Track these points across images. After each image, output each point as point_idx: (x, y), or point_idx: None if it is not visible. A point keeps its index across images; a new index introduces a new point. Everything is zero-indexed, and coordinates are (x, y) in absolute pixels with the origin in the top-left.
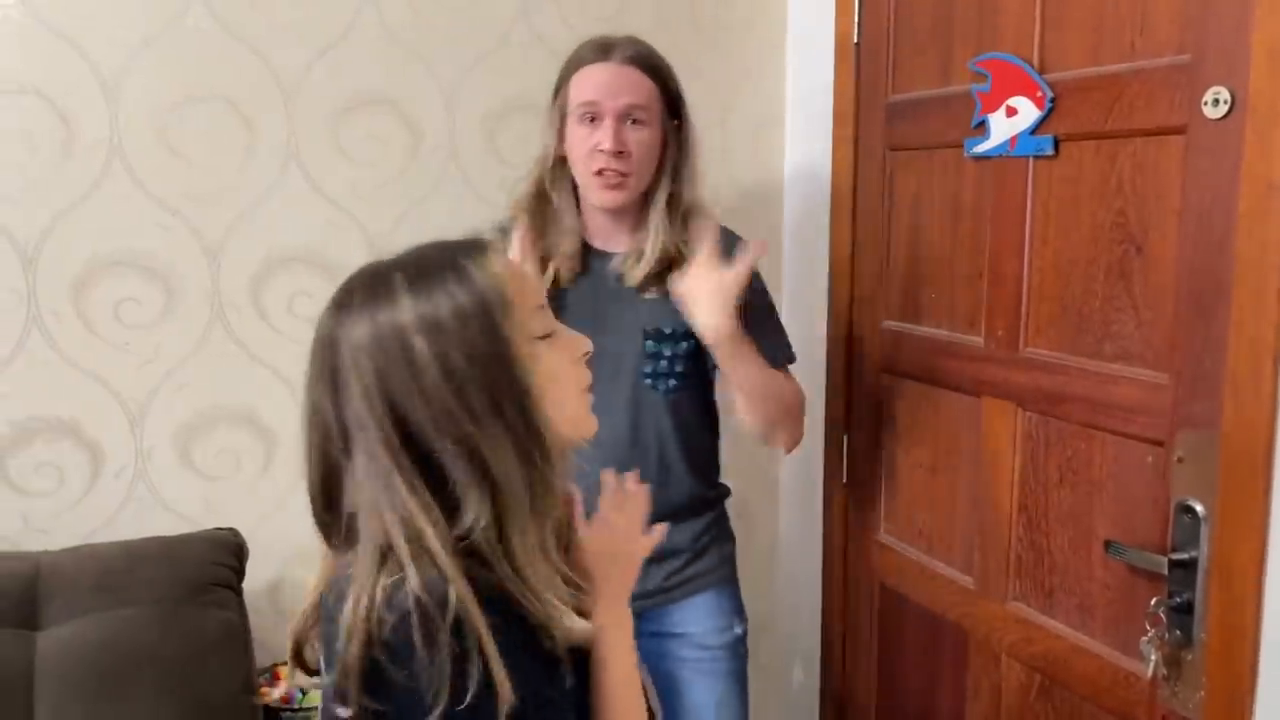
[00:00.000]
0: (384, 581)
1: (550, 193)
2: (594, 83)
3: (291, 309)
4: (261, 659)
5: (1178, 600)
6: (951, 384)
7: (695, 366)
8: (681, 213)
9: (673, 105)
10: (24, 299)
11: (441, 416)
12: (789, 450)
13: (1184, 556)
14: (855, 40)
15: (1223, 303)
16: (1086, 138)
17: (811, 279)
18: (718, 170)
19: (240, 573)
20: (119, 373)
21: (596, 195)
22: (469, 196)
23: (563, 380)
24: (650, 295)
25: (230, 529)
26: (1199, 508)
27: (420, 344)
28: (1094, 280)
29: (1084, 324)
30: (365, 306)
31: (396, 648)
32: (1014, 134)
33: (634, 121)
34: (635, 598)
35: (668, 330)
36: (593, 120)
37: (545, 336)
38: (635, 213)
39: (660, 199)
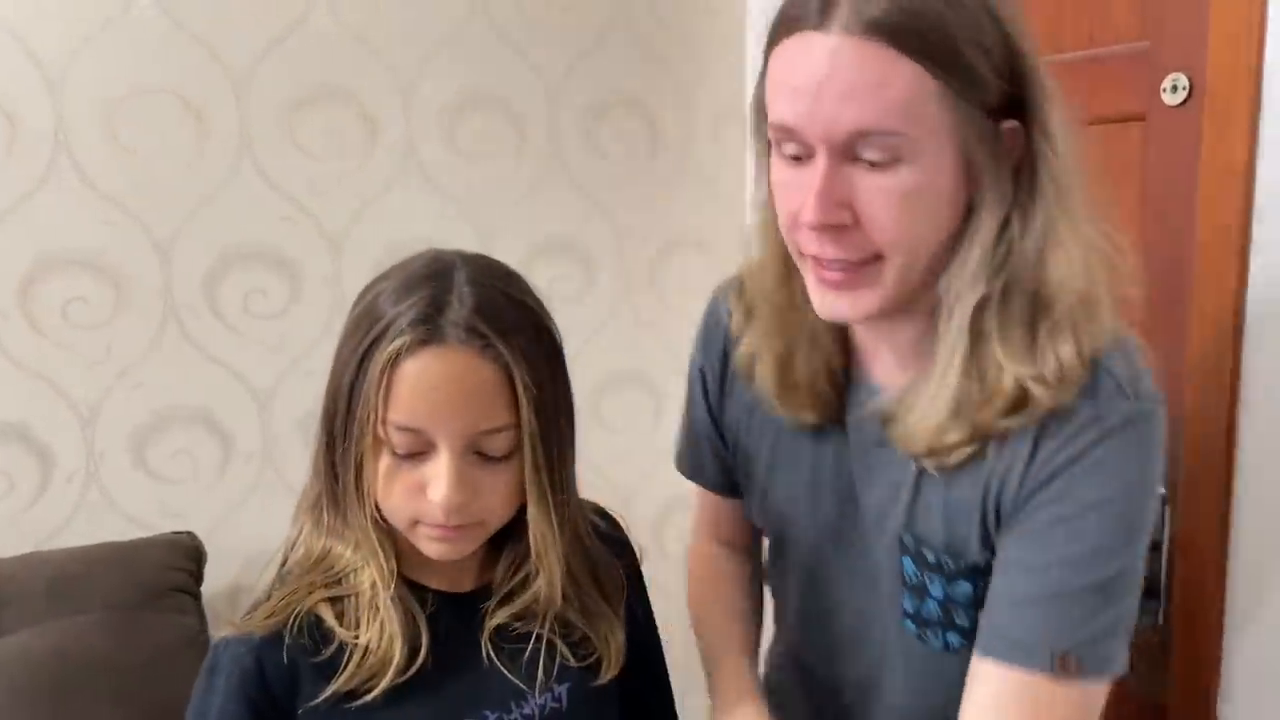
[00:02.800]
0: None
1: (788, 271)
2: (794, 85)
3: (247, 307)
4: None
5: None
6: None
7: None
8: (1027, 322)
9: (982, 94)
10: None
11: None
12: None
13: None
14: None
15: (1184, 288)
16: None
17: None
18: (678, 164)
19: (198, 577)
20: (69, 374)
21: (814, 297)
22: (428, 191)
23: (392, 492)
24: (931, 468)
25: (187, 532)
26: (1161, 491)
27: None
28: None
29: None
30: None
31: None
32: None
33: (873, 165)
34: None
35: (931, 559)
36: (798, 160)
37: (404, 454)
38: (924, 317)
39: (966, 299)
